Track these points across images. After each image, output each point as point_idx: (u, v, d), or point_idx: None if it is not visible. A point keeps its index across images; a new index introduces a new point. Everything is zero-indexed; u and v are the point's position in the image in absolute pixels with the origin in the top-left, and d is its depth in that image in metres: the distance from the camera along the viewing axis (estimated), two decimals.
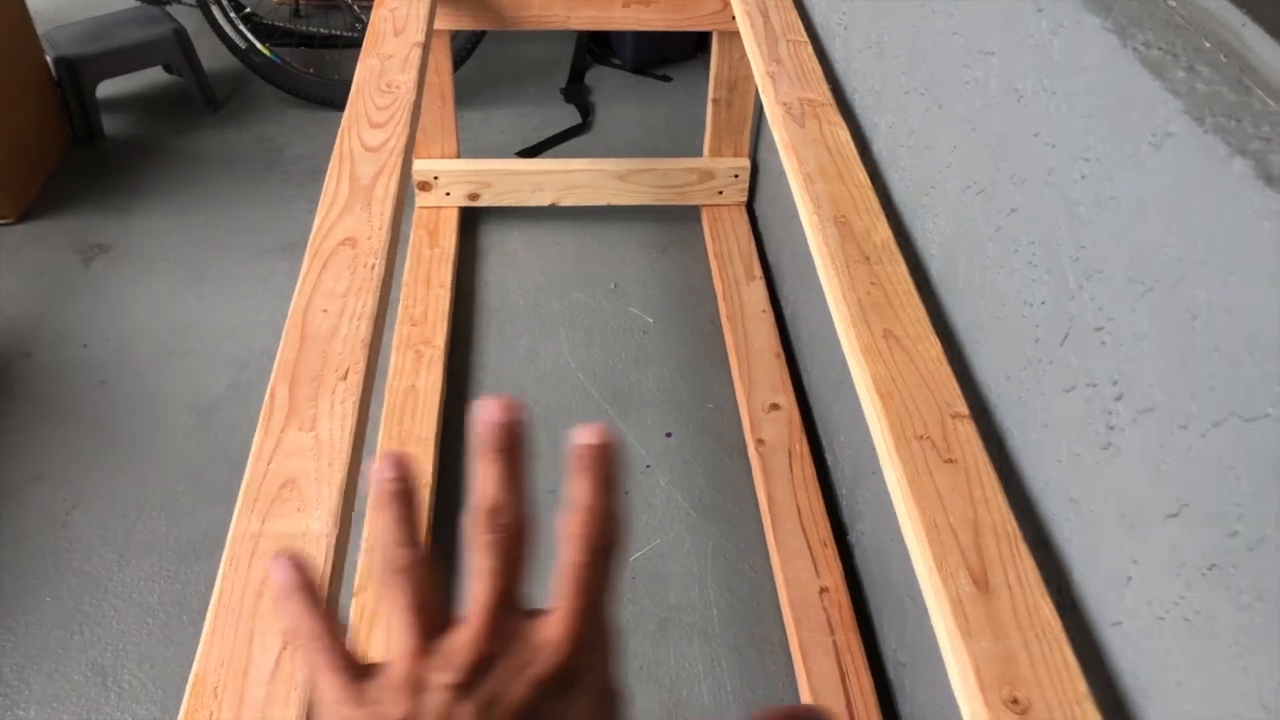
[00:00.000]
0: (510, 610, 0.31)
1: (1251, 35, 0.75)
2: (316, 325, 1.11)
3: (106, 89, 2.43)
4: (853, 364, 1.11)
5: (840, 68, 1.59)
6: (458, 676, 0.29)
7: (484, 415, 0.31)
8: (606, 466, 0.32)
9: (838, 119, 1.47)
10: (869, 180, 1.35)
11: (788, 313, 1.99)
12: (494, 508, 0.31)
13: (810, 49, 1.64)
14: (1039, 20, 0.96)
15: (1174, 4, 0.83)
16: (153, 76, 2.58)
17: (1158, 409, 0.78)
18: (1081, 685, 0.81)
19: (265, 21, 2.65)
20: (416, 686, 0.29)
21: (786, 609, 1.50)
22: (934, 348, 1.11)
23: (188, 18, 2.56)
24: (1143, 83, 0.79)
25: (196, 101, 2.50)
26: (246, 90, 2.60)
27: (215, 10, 2.44)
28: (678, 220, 2.26)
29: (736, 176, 2.24)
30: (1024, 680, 0.82)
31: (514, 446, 0.31)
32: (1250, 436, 0.68)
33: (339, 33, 2.68)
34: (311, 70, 2.55)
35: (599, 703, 0.30)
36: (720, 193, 2.25)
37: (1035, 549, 0.96)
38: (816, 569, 1.55)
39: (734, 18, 1.84)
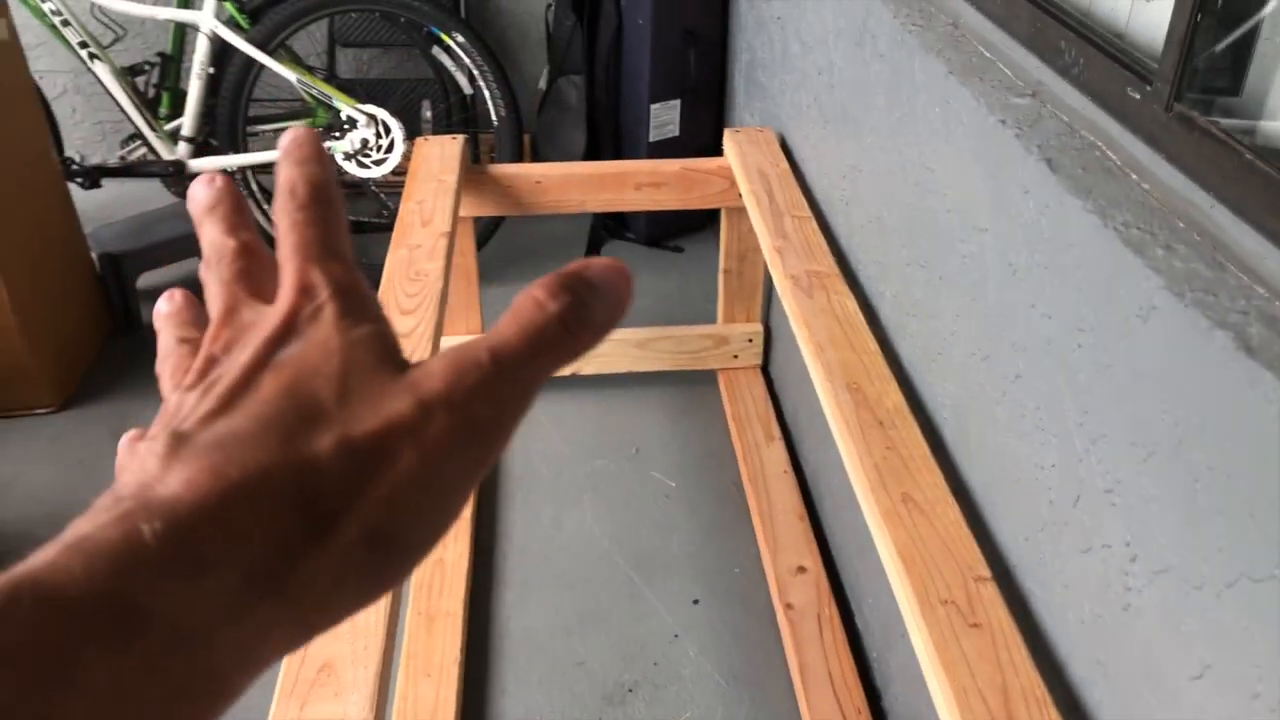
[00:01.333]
0: (253, 303, 0.30)
1: (1220, 215, 0.81)
2: None
3: (147, 280, 2.55)
4: (874, 530, 1.14)
5: (844, 241, 1.68)
6: (187, 380, 0.28)
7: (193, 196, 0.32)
8: (305, 148, 0.31)
9: (844, 289, 1.54)
10: (878, 347, 1.41)
11: (809, 473, 2.02)
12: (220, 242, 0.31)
13: (814, 224, 1.73)
14: (1026, 200, 1.03)
15: (1148, 187, 0.90)
16: (189, 266, 2.70)
17: (1172, 570, 0.81)
18: None
19: None
20: (174, 406, 0.28)
21: None
22: (952, 510, 1.14)
23: None
24: (1126, 260, 0.85)
25: None
26: None
27: (250, 202, 2.58)
28: (696, 385, 2.32)
29: (750, 341, 2.31)
30: None
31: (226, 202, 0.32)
32: (1260, 597, 0.70)
33: (366, 219, 2.82)
34: None
35: (336, 338, 0.27)
36: (735, 356, 2.32)
37: (1066, 712, 0.96)
38: None
39: (740, 195, 1.95)
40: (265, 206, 2.59)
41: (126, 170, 2.56)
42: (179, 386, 0.29)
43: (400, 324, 1.46)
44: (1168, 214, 0.86)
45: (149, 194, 2.80)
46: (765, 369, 2.34)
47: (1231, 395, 0.72)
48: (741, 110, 2.53)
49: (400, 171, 2.47)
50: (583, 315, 0.28)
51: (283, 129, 2.66)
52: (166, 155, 2.53)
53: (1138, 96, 0.92)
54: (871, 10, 1.47)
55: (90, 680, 0.21)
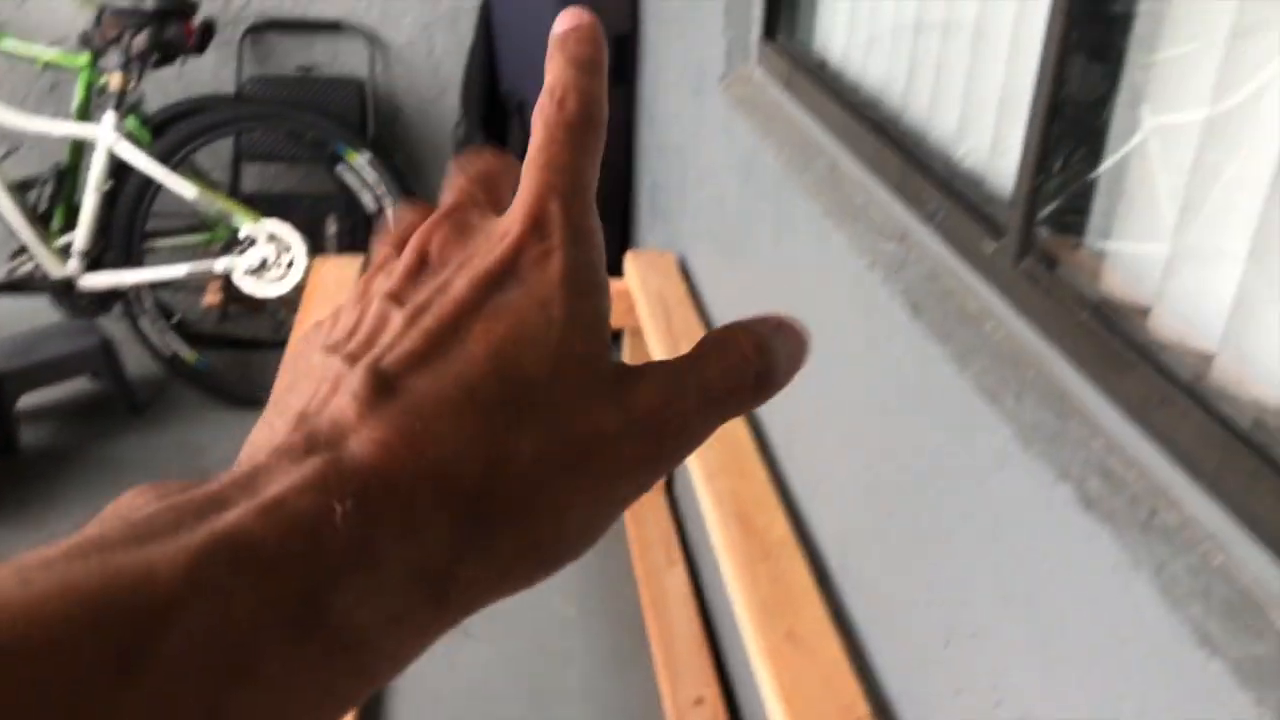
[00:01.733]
0: (482, 210, 0.28)
1: (1063, 367, 0.85)
2: None
3: (29, 399, 2.47)
4: (756, 668, 1.14)
5: None
6: (392, 283, 0.26)
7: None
8: (586, 45, 0.28)
9: None
10: (767, 475, 1.42)
11: (709, 597, 2.01)
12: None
13: None
14: (893, 343, 1.06)
15: (1001, 336, 0.94)
16: (76, 384, 2.63)
17: (1031, 717, 0.82)
18: None
19: (193, 328, 2.75)
20: (363, 295, 0.26)
21: None
22: (834, 646, 1.14)
23: (115, 326, 2.64)
24: (980, 408, 0.88)
25: (120, 408, 2.54)
26: (170, 394, 2.65)
27: (143, 321, 2.53)
28: None
29: None
30: None
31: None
32: None
33: (266, 336, 2.78)
34: (236, 373, 2.63)
35: (559, 304, 0.25)
36: None
37: None
38: None
39: (640, 317, 1.97)
40: (158, 324, 2.54)
41: (12, 286, 2.50)
42: (388, 279, 0.26)
43: None
44: (1018, 364, 0.90)
45: (36, 310, 2.73)
46: (669, 491, 2.34)
47: (1073, 547, 0.75)
48: (645, 231, 2.58)
49: (301, 288, 2.45)
50: (773, 378, 0.27)
51: (180, 244, 2.63)
52: (56, 271, 2.47)
53: (991, 250, 0.96)
54: (758, 148, 1.53)
55: (267, 671, 0.20)
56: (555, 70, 0.28)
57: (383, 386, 0.23)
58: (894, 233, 1.16)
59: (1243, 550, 0.66)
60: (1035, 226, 0.90)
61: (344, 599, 0.21)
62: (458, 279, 0.25)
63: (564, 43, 0.29)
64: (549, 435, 0.24)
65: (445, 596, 0.23)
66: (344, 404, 0.23)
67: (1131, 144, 0.83)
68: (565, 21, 0.29)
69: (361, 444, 0.22)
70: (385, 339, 0.25)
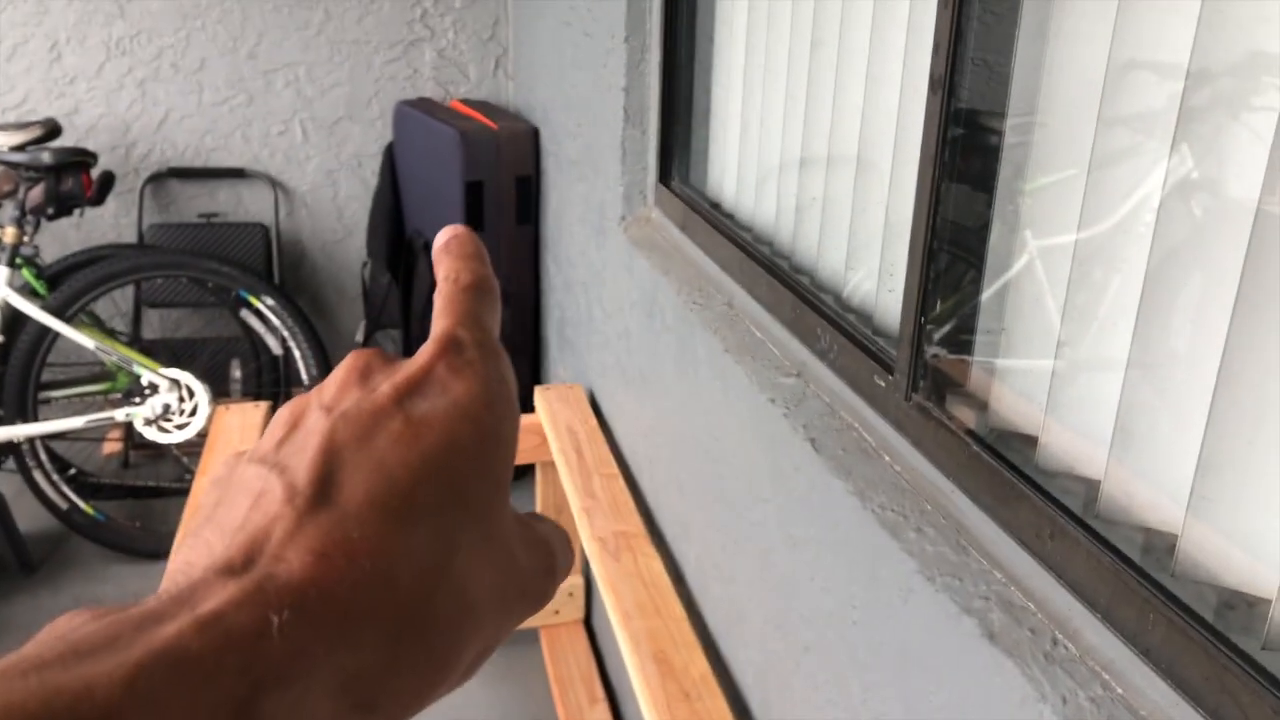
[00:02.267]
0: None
1: (960, 500, 0.88)
2: None
3: None
4: None
5: (650, 499, 1.71)
6: (324, 396, 0.27)
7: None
8: (468, 244, 0.32)
9: (651, 550, 1.56)
10: (684, 612, 1.41)
11: None
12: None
13: (621, 482, 1.77)
14: (798, 477, 1.08)
15: (899, 469, 0.97)
16: None
17: None
18: None
19: (91, 478, 2.66)
20: (293, 410, 0.27)
21: None
22: None
23: (6, 482, 2.54)
24: (884, 542, 0.89)
25: (11, 567, 2.42)
26: (66, 549, 2.54)
27: (37, 474, 2.43)
28: (516, 645, 2.25)
29: (571, 595, 2.28)
30: None
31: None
32: None
33: (168, 484, 2.70)
34: (138, 523, 2.54)
35: (477, 401, 0.27)
36: (556, 612, 2.28)
37: None
38: None
39: (551, 452, 1.97)
40: (54, 477, 2.44)
41: None
42: (319, 394, 0.27)
43: None
44: (917, 497, 0.92)
45: None
46: (588, 622, 2.30)
47: (981, 680, 0.76)
48: (555, 364, 2.60)
49: (204, 434, 2.40)
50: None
51: (78, 394, 2.56)
52: None
53: (883, 384, 1.00)
54: (659, 285, 1.57)
55: None
56: (446, 264, 0.31)
57: (315, 493, 0.24)
58: (791, 368, 1.20)
59: (1141, 679, 0.67)
60: (923, 362, 0.94)
61: (277, 707, 0.21)
62: (383, 385, 0.27)
63: (448, 247, 0.32)
64: (478, 544, 0.25)
65: (375, 705, 0.23)
66: (277, 513, 0.23)
67: (1012, 267, 0.88)
68: (445, 234, 0.32)
69: (298, 554, 0.22)
70: (313, 443, 0.25)
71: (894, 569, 0.88)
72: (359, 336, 3.10)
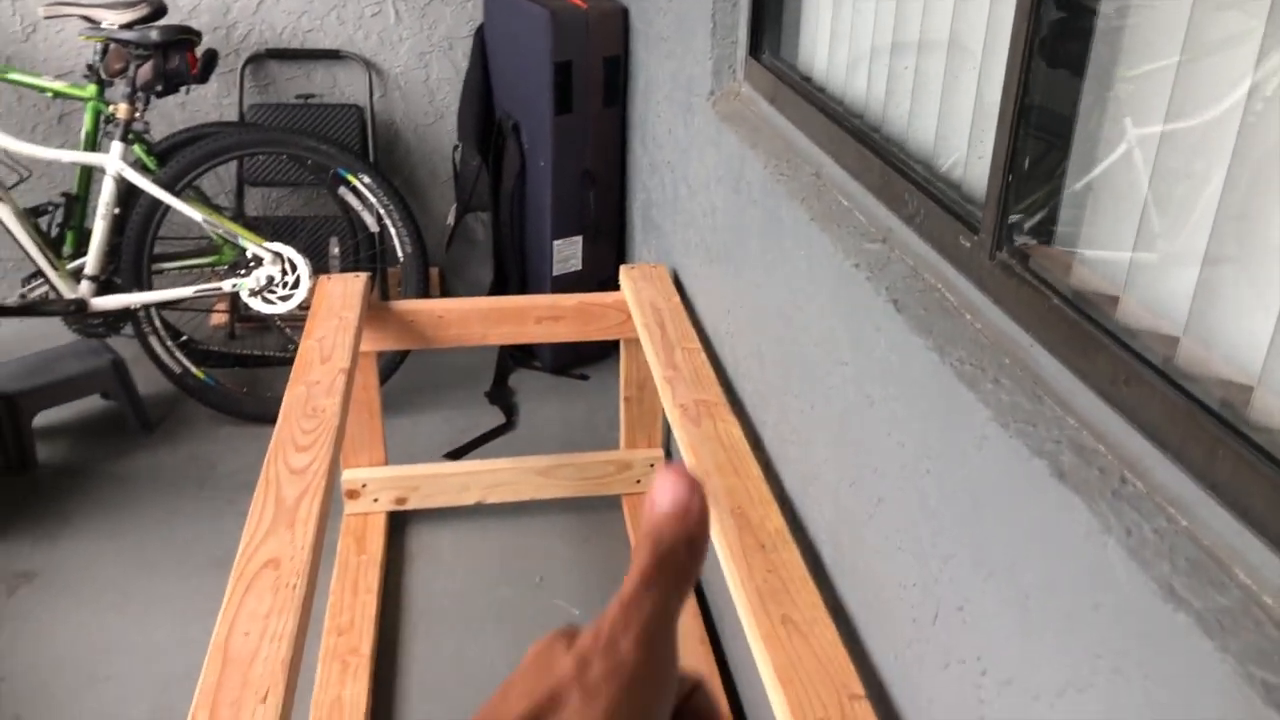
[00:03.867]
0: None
1: (1038, 353, 0.90)
2: (237, 649, 1.15)
3: (42, 419, 2.52)
4: (755, 651, 1.18)
5: (730, 370, 1.76)
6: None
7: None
8: (699, 512, 0.32)
9: (730, 417, 1.61)
10: (761, 473, 1.47)
11: (709, 595, 2.05)
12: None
13: (703, 355, 1.82)
14: (878, 338, 1.11)
15: (979, 326, 0.99)
16: (88, 403, 2.67)
17: (1014, 682, 0.86)
18: None
19: (201, 346, 2.80)
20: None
21: None
22: (829, 630, 1.19)
23: (125, 346, 2.69)
24: (961, 394, 0.93)
25: (131, 426, 2.59)
26: (181, 411, 2.70)
27: (153, 340, 2.58)
28: (599, 510, 2.35)
29: (652, 466, 2.36)
30: None
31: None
32: (1083, 705, 0.76)
33: (272, 353, 2.83)
34: (245, 389, 2.68)
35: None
36: (638, 481, 2.37)
37: None
38: None
39: (636, 328, 2.03)
40: (168, 343, 2.59)
41: (26, 309, 2.55)
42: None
43: (295, 460, 1.48)
44: (996, 351, 0.95)
45: (49, 332, 2.78)
46: None
47: (1049, 518, 0.79)
48: (639, 246, 2.64)
49: (306, 306, 2.51)
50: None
51: (187, 266, 2.69)
52: (68, 294, 2.53)
53: (968, 245, 1.02)
54: (746, 159, 1.59)
55: None
56: (669, 530, 0.32)
57: None
58: (877, 234, 1.22)
59: (1206, 512, 0.71)
60: (1009, 221, 0.95)
61: None
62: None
63: (677, 508, 0.32)
64: None
65: None
66: None
67: (1101, 135, 0.88)
68: (677, 489, 0.33)
69: None
70: None
71: (969, 419, 0.92)
72: (450, 219, 3.17)
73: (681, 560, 0.32)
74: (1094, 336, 0.82)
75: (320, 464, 1.48)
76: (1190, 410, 0.72)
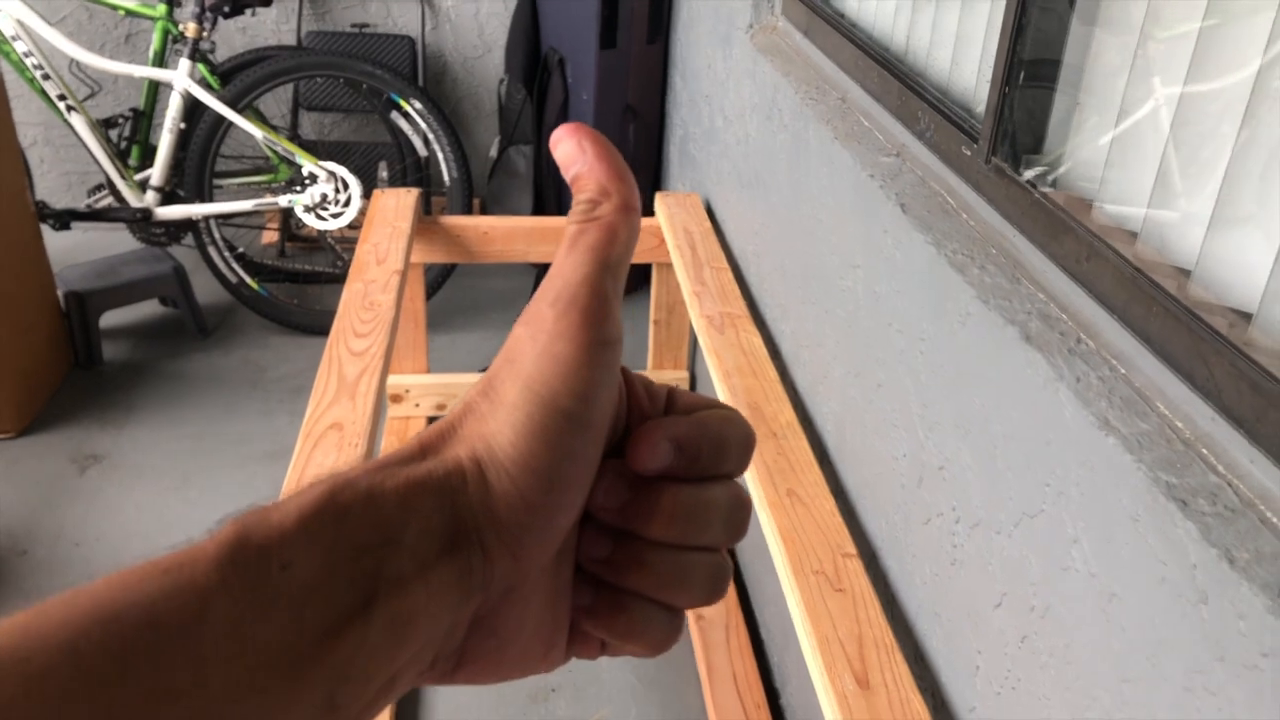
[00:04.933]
0: None
1: (1020, 243, 1.03)
2: None
3: (109, 319, 2.69)
4: (762, 517, 1.32)
5: (755, 288, 1.89)
6: None
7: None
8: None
9: (752, 328, 1.75)
10: (778, 376, 1.61)
11: None
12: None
13: (730, 274, 1.95)
14: (885, 238, 1.24)
15: (973, 223, 1.12)
16: (151, 307, 2.85)
17: (982, 523, 1.00)
18: None
19: (255, 260, 2.97)
20: None
21: None
22: (829, 503, 1.33)
23: (185, 256, 2.86)
24: (951, 279, 1.06)
25: (189, 329, 2.76)
26: (235, 319, 2.87)
27: (212, 250, 2.74)
28: None
29: (678, 385, 2.50)
30: None
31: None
32: (1033, 530, 0.90)
33: (321, 269, 2.99)
34: (295, 301, 2.84)
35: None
36: None
37: (914, 662, 1.14)
38: None
39: (669, 252, 2.16)
40: (225, 255, 2.75)
41: (96, 215, 2.72)
42: None
43: (354, 345, 1.63)
44: (984, 243, 1.08)
45: (114, 240, 2.95)
46: None
47: (1016, 375, 0.93)
48: (674, 179, 2.76)
49: (356, 225, 2.66)
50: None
51: (245, 183, 2.84)
52: (135, 203, 2.69)
53: (968, 153, 1.14)
54: (779, 87, 1.71)
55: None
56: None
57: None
58: (892, 149, 1.34)
59: (1141, 361, 0.84)
60: (1003, 129, 1.08)
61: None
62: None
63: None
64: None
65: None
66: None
67: (1090, 48, 1.00)
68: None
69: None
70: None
71: (957, 299, 1.05)
72: (493, 151, 3.30)
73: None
74: (1064, 221, 0.95)
75: (377, 349, 1.63)
76: (1134, 277, 0.85)
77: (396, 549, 0.26)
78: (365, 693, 0.26)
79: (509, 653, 0.31)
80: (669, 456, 0.31)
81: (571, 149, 0.32)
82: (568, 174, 0.32)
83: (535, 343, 0.29)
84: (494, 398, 0.29)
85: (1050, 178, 1.04)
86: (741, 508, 0.33)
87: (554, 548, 0.30)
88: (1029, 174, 1.04)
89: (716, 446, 0.32)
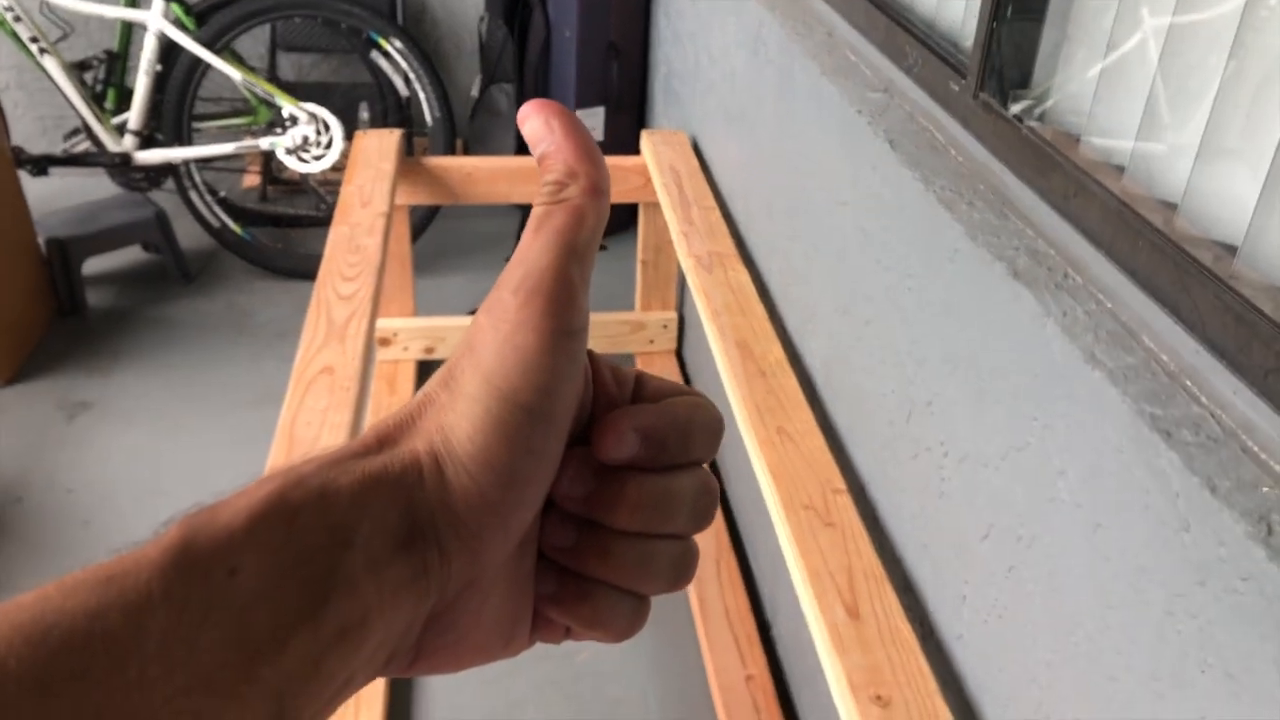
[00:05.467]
0: None
1: (1009, 179, 1.03)
2: (301, 435, 1.31)
3: (91, 265, 2.67)
4: (752, 454, 1.34)
5: (743, 226, 1.89)
6: None
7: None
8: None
9: (740, 266, 1.75)
10: (766, 314, 1.62)
11: None
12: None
13: (718, 213, 1.94)
14: (874, 175, 1.24)
15: (961, 159, 1.12)
16: (133, 254, 2.82)
17: (969, 457, 1.02)
18: (932, 684, 1.01)
19: (237, 204, 2.94)
20: None
21: (716, 695, 1.66)
22: (818, 440, 1.35)
23: (167, 201, 2.83)
24: (940, 215, 1.06)
25: (173, 275, 2.74)
26: (218, 264, 2.85)
27: (193, 195, 2.71)
28: None
29: (665, 327, 2.51)
30: (886, 683, 1.02)
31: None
32: (1020, 462, 0.91)
33: (305, 213, 2.96)
34: (279, 245, 2.82)
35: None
36: (651, 341, 2.52)
37: (903, 592, 1.17)
38: (743, 659, 1.72)
39: (655, 191, 2.15)
40: (207, 198, 2.72)
41: (74, 160, 2.68)
42: None
43: (342, 289, 1.63)
44: (973, 179, 1.08)
45: (92, 185, 2.92)
46: (679, 354, 2.54)
47: (1004, 310, 0.94)
48: (660, 117, 2.74)
49: (338, 167, 2.63)
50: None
51: (225, 126, 2.80)
52: (113, 147, 2.65)
53: (956, 88, 1.14)
54: (764, 22, 1.69)
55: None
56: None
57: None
58: (879, 84, 1.34)
59: (1127, 295, 0.85)
60: (991, 63, 1.07)
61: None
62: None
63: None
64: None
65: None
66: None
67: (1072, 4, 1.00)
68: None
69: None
70: None
71: (945, 237, 1.05)
72: (474, 91, 3.26)
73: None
74: (1051, 156, 0.95)
75: (364, 292, 1.63)
76: (1121, 212, 0.85)
77: (349, 550, 0.26)
78: (317, 699, 0.25)
79: (468, 644, 0.30)
80: (635, 447, 0.30)
81: (539, 126, 0.31)
82: (535, 152, 0.31)
83: (497, 332, 0.28)
84: (454, 389, 0.28)
85: (1038, 112, 1.04)
86: (707, 494, 0.32)
87: (514, 543, 0.29)
88: (1016, 108, 1.04)
89: (683, 435, 0.31)
